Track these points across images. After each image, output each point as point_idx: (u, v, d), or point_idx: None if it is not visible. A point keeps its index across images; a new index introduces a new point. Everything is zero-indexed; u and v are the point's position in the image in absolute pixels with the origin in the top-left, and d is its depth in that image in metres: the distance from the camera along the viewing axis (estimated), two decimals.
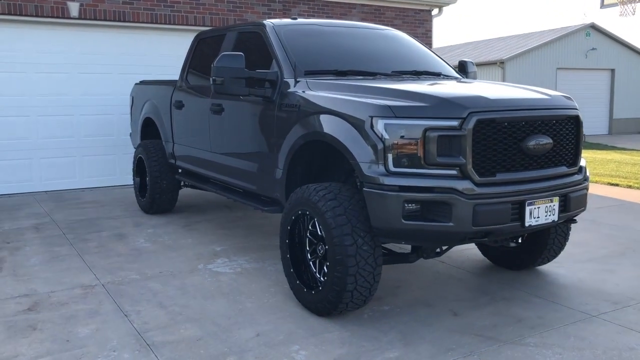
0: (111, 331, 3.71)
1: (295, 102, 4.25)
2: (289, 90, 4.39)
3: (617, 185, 9.68)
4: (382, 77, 4.60)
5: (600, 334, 3.69)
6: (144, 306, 4.14)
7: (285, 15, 10.59)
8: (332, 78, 4.42)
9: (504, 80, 24.45)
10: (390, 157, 3.50)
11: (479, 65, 21.62)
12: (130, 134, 8.05)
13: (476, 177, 3.49)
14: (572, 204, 3.90)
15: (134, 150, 8.44)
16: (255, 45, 5.06)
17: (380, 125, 3.53)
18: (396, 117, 3.52)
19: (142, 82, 7.82)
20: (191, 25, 9.42)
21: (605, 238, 6.05)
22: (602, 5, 9.40)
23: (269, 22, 5.05)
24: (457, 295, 4.42)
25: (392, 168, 3.51)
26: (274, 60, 4.67)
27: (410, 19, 12.33)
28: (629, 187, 9.51)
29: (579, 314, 4.00)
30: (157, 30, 9.31)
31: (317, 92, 4.14)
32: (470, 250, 5.41)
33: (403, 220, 3.46)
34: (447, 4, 12.74)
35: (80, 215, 7.07)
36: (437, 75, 4.98)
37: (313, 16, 11.09)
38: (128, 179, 9.11)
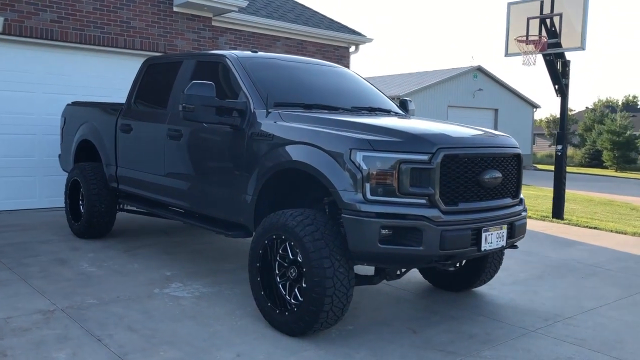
0: (89, 355, 3.68)
1: (268, 131, 4.47)
2: (259, 120, 4.60)
3: None
4: (344, 111, 4.95)
5: (541, 346, 4.20)
6: (113, 330, 4.11)
7: (213, 43, 10.74)
8: (301, 110, 4.69)
9: None
10: (367, 186, 3.83)
11: None
12: (60, 155, 7.77)
13: (442, 206, 3.90)
14: (516, 231, 4.43)
15: (58, 172, 8.18)
16: (216, 74, 5.22)
17: (359, 157, 3.85)
18: (374, 150, 3.86)
19: (76, 103, 7.62)
20: (120, 47, 9.33)
21: (522, 263, 6.73)
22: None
23: (232, 53, 5.25)
24: (410, 314, 4.79)
25: (369, 196, 3.83)
26: (241, 91, 4.86)
27: (329, 54, 12.92)
28: (529, 217, 10.51)
29: (519, 330, 4.50)
30: (84, 50, 9.11)
31: (291, 124, 4.39)
32: (411, 273, 5.83)
33: (379, 245, 3.79)
34: (364, 42, 13.51)
35: (8, 239, 6.73)
36: (388, 112, 5.41)
37: (240, 45, 11.34)
38: (50, 201, 8.76)
